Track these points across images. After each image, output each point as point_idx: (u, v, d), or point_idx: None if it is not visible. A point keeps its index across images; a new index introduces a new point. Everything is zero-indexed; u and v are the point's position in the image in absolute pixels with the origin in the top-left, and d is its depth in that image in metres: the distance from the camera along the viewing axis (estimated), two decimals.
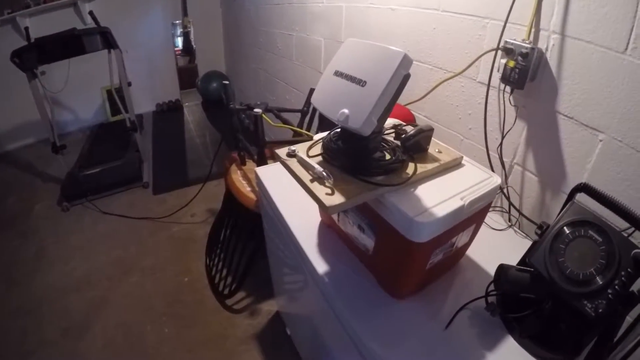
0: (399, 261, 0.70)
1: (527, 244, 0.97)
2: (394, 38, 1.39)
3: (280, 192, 1.04)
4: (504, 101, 1.00)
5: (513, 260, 0.86)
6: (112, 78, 2.56)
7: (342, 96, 0.60)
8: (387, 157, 0.68)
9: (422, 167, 0.71)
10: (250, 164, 1.70)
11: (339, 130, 0.73)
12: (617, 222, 0.73)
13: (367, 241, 0.76)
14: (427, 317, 0.74)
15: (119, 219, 2.33)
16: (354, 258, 0.86)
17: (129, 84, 2.70)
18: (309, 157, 0.70)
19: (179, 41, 4.42)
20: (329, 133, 0.74)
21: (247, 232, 1.67)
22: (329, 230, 0.93)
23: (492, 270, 0.85)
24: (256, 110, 1.24)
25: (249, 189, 1.53)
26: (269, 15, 2.49)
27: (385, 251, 0.72)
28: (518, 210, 1.04)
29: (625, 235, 0.65)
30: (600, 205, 0.68)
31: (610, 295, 0.61)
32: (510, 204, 1.03)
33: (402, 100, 1.37)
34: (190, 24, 3.97)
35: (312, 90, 1.70)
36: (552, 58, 0.87)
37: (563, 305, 0.67)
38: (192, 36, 4.24)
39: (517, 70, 0.90)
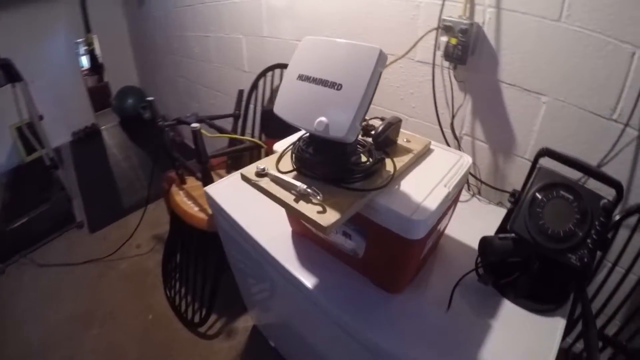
0: (395, 259, 0.66)
1: (493, 209, 1.00)
2: (326, 25, 1.32)
3: (237, 208, 0.92)
4: (450, 78, 1.00)
5: (486, 227, 0.87)
6: (20, 114, 2.21)
7: (314, 103, 0.52)
8: (364, 158, 0.62)
9: (400, 162, 0.66)
10: (190, 180, 1.54)
11: (306, 138, 0.65)
12: (573, 176, 0.77)
13: (355, 246, 0.71)
14: (428, 302, 0.72)
15: (61, 268, 2.00)
16: (338, 263, 0.79)
17: (41, 118, 2.28)
18: (282, 173, 0.61)
19: (85, 60, 3.88)
20: (297, 142, 0.66)
21: (203, 253, 1.52)
22: (303, 239, 0.85)
23: (470, 241, 0.86)
24: (193, 125, 1.09)
25: (196, 208, 1.39)
26: (181, 19, 2.24)
27: (380, 252, 0.67)
28: (478, 179, 1.06)
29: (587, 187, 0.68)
30: (558, 164, 0.71)
31: (590, 245, 0.64)
32: (470, 173, 1.06)
33: None
34: (95, 39, 3.49)
35: (241, 92, 1.58)
36: (489, 31, 0.88)
37: (550, 263, 0.69)
38: (97, 53, 3.74)
39: (459, 47, 0.90)
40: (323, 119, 0.50)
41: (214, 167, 1.57)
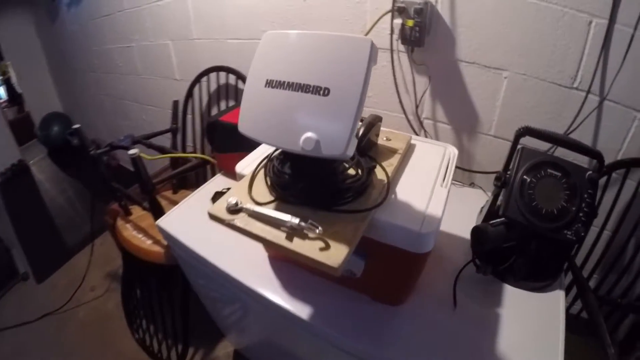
0: (402, 274, 0.58)
1: (468, 191, 0.97)
2: (258, 19, 1.17)
3: (198, 238, 0.78)
4: (409, 62, 0.93)
5: (468, 212, 0.84)
6: None
7: (295, 115, 0.40)
8: (352, 171, 0.52)
9: (389, 166, 0.57)
10: (136, 209, 1.33)
11: (280, 155, 0.54)
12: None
13: (352, 266, 0.61)
14: (433, 305, 0.65)
15: (17, 330, 1.65)
16: (328, 284, 0.68)
17: None
18: (260, 204, 0.49)
19: (1, 91, 3.29)
20: (270, 163, 0.54)
21: (165, 287, 1.34)
22: (283, 264, 0.73)
23: (455, 230, 0.81)
24: (131, 152, 0.90)
25: (149, 241, 1.19)
26: (99, 31, 1.90)
27: (384, 270, 0.58)
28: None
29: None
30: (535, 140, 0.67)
31: (582, 218, 0.62)
32: None
33: None
34: (9, 67, 2.94)
35: (176, 103, 1.38)
36: (443, 10, 0.82)
37: (546, 241, 0.65)
38: (14, 81, 3.17)
39: (416, 28, 0.82)
40: (311, 134, 0.39)
41: (159, 190, 1.37)
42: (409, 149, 0.66)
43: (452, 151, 0.65)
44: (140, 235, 1.21)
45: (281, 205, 0.48)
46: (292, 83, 0.40)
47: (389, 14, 0.86)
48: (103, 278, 1.88)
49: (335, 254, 0.40)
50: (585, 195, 0.63)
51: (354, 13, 0.99)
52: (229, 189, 0.93)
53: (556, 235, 0.63)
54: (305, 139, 0.39)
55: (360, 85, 0.37)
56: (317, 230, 0.42)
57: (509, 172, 0.68)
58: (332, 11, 1.02)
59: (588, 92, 0.74)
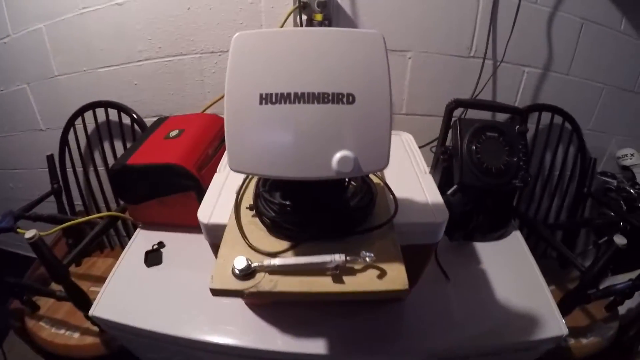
0: (417, 269, 0.56)
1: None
2: (133, 38, 0.96)
3: (147, 313, 0.61)
4: None
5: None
6: None
7: (314, 134, 0.32)
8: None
9: None
10: (44, 300, 0.97)
11: (269, 187, 0.44)
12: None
13: None
14: (430, 285, 0.66)
15: None
16: (319, 310, 0.61)
17: None
18: (275, 255, 0.39)
19: None
20: (261, 199, 0.43)
21: None
22: (268, 310, 0.61)
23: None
24: (28, 235, 0.61)
25: (76, 334, 0.88)
26: None
27: None
28: None
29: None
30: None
31: (522, 165, 0.72)
32: None
33: (196, 107, 1.04)
34: None
35: (50, 158, 1.06)
36: (343, 1, 0.83)
37: (499, 194, 0.74)
38: None
39: (326, 22, 0.81)
40: (347, 153, 0.32)
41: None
42: None
43: (408, 137, 0.67)
44: (62, 331, 0.89)
45: (298, 248, 0.40)
46: (303, 94, 0.32)
47: (296, 10, 0.82)
48: None
49: (396, 275, 0.36)
50: (520, 146, 0.73)
51: (247, 15, 0.91)
52: (160, 243, 0.76)
53: (508, 186, 0.71)
54: (340, 159, 0.32)
55: (387, 85, 0.32)
56: (368, 259, 0.36)
57: (449, 145, 0.74)
58: (222, 16, 0.91)
59: (484, 58, 0.86)
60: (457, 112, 0.80)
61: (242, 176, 0.50)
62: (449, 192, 0.73)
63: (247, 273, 0.36)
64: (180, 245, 0.76)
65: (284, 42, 0.32)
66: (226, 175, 0.57)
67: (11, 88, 1.13)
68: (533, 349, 0.59)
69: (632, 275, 0.72)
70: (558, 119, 0.96)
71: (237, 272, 0.36)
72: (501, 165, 0.71)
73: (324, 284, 0.35)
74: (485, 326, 0.59)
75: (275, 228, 0.41)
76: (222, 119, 0.85)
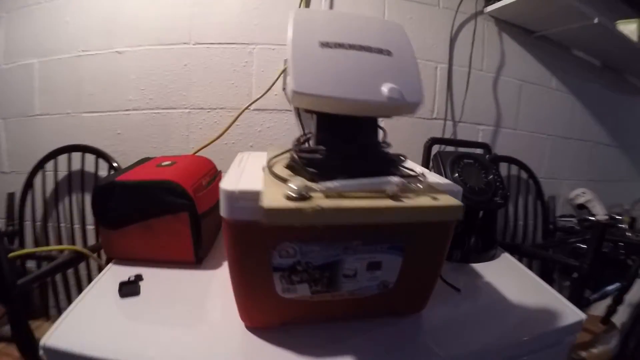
0: (438, 254, 0.55)
1: None
2: (126, 87, 1.02)
3: (122, 335, 0.51)
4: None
5: None
6: None
7: (367, 71, 0.40)
8: None
9: None
10: None
11: (306, 148, 0.46)
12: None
13: (385, 274, 0.54)
14: (444, 297, 0.66)
15: None
16: (327, 330, 0.55)
17: None
18: (327, 184, 0.39)
19: None
20: (301, 153, 0.45)
21: None
22: (270, 329, 0.53)
23: None
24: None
25: None
26: None
27: (420, 259, 0.53)
28: None
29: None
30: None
31: (499, 185, 0.84)
32: None
33: (186, 149, 1.05)
34: None
35: (11, 197, 0.95)
36: None
37: (485, 214, 0.84)
38: None
39: None
40: (393, 85, 0.39)
41: None
42: None
43: None
44: None
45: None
46: (354, 44, 0.42)
47: (284, 74, 0.96)
48: None
49: (448, 199, 0.39)
50: (494, 171, 0.85)
51: (239, 76, 1.03)
52: (138, 276, 0.66)
53: (491, 203, 0.81)
54: (390, 88, 0.39)
55: (412, 51, 0.44)
56: (421, 185, 0.39)
57: None
58: (217, 75, 1.03)
59: (445, 119, 1.05)
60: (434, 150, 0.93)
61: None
62: None
63: (303, 197, 0.36)
64: (160, 280, 0.67)
65: (332, 15, 0.47)
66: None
67: None
68: (558, 344, 0.58)
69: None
70: (515, 170, 1.14)
71: (290, 194, 0.36)
72: (482, 184, 0.81)
73: (384, 202, 0.37)
74: (506, 325, 0.59)
75: (318, 169, 0.43)
76: (212, 162, 0.88)
